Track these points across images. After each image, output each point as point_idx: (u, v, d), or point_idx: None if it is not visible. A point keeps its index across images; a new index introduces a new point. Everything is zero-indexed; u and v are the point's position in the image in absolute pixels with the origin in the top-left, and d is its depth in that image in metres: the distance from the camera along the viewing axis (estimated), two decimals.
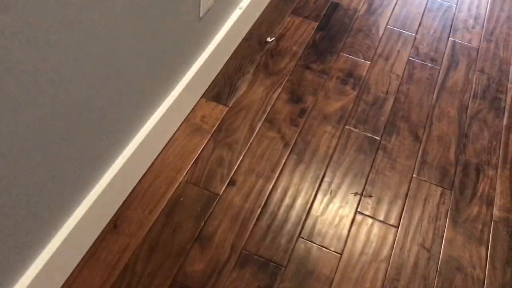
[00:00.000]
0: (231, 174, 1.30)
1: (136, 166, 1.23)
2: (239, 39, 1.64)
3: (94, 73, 0.92)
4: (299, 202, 1.26)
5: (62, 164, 0.93)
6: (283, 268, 1.14)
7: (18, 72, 0.73)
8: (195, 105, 1.44)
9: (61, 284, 1.06)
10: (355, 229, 1.22)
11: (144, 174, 1.27)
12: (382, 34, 1.74)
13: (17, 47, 0.71)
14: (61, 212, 1.00)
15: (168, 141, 1.35)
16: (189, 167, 1.30)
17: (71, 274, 1.08)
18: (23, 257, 0.93)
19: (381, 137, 1.42)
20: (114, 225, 1.17)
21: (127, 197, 1.22)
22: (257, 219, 1.21)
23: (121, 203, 1.21)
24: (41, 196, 0.91)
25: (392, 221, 1.24)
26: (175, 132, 1.37)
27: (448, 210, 1.28)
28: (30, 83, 0.76)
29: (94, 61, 0.90)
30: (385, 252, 1.18)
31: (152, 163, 1.29)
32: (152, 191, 1.24)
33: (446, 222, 1.25)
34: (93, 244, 1.14)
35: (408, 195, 1.30)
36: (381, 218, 1.24)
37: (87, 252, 1.12)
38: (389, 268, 1.16)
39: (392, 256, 1.18)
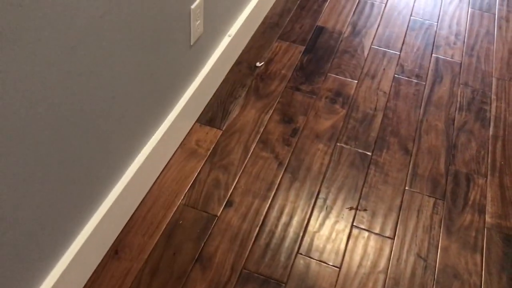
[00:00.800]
0: (228, 196, 1.33)
1: (135, 192, 1.26)
2: (230, 65, 1.69)
3: (89, 102, 0.96)
4: (295, 219, 1.28)
5: (60, 193, 0.96)
6: (284, 284, 1.16)
7: (12, 106, 0.77)
8: (189, 130, 1.48)
9: None
10: (352, 243, 1.24)
11: (143, 200, 1.30)
12: (367, 54, 1.80)
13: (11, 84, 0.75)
14: (62, 241, 1.02)
15: (165, 166, 1.38)
16: (186, 190, 1.33)
17: None
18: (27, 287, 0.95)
19: (372, 152, 1.46)
20: (115, 251, 1.19)
21: (127, 223, 1.25)
22: (256, 238, 1.24)
23: (121, 229, 1.23)
24: (40, 226, 0.93)
25: (387, 233, 1.27)
26: (172, 157, 1.40)
27: (441, 220, 1.31)
28: (29, 112, 0.80)
29: (89, 90, 0.94)
30: (382, 263, 1.21)
31: (150, 188, 1.32)
32: (151, 216, 1.27)
33: (440, 231, 1.28)
34: (95, 271, 1.15)
35: (402, 207, 1.33)
36: (377, 230, 1.27)
37: (89, 280, 1.14)
38: (387, 279, 1.18)
39: (389, 267, 1.20)
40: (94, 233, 1.10)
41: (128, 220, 1.25)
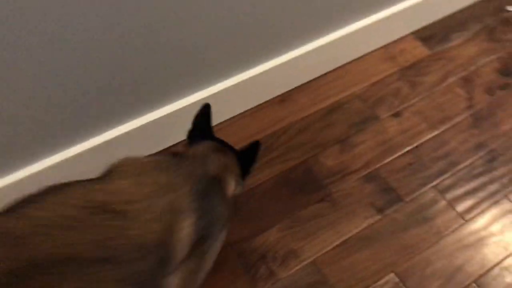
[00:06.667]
0: (400, 107, 1.36)
1: (323, 61, 1.39)
2: None
3: None
4: (451, 158, 1.27)
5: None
6: (401, 202, 1.20)
7: None
8: (400, 37, 1.51)
9: (223, 120, 1.33)
10: (495, 209, 1.19)
11: (325, 74, 1.43)
12: None
13: None
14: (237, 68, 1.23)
15: (361, 56, 1.47)
16: (367, 84, 1.41)
17: (233, 117, 1.34)
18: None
19: None
20: (282, 99, 1.38)
21: (304, 83, 1.40)
22: (402, 155, 1.28)
23: (296, 86, 1.40)
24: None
25: None
26: (371, 52, 1.48)
27: None
28: None
29: None
30: None
31: (337, 67, 1.44)
32: (325, 88, 1.40)
33: None
34: (260, 104, 1.36)
35: None
36: None
37: (253, 108, 1.35)
38: (507, 258, 1.12)
39: None
40: (268, 79, 1.29)
41: (306, 82, 1.41)
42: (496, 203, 1.20)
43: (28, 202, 0.63)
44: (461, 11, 1.59)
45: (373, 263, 1.11)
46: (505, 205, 1.20)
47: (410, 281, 1.08)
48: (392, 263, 1.10)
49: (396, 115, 1.35)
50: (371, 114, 1.35)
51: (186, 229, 0.71)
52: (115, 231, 0.64)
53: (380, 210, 1.18)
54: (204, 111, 0.91)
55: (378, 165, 1.25)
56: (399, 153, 1.28)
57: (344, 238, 1.14)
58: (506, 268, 1.11)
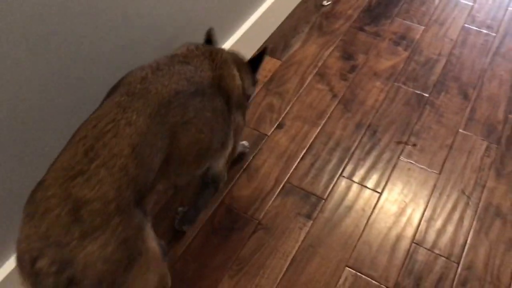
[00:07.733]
0: (280, 119, 1.43)
1: None
2: (297, 2, 1.77)
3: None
4: (342, 145, 1.37)
5: None
6: (324, 200, 1.25)
7: None
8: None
9: None
10: (396, 173, 1.31)
11: None
12: (439, 2, 1.81)
13: None
14: None
15: None
16: None
17: None
18: None
19: (430, 94, 1.50)
20: None
21: None
22: (301, 158, 1.34)
23: None
24: None
25: (434, 168, 1.32)
26: None
27: (492, 163, 1.34)
28: None
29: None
30: (424, 194, 1.27)
31: None
32: None
33: (489, 173, 1.32)
34: None
35: (453, 146, 1.37)
36: (423, 165, 1.33)
37: None
38: (426, 209, 1.24)
39: (430, 199, 1.26)
40: None
41: None
42: (394, 167, 1.33)
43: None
44: (289, 18, 1.73)
45: (326, 267, 1.13)
46: (402, 165, 1.33)
47: (364, 267, 1.13)
48: (342, 259, 1.15)
49: (279, 126, 1.41)
50: (258, 135, 1.39)
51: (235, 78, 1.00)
52: (192, 73, 0.89)
53: (308, 216, 1.22)
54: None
55: (286, 177, 1.29)
56: (299, 159, 1.34)
57: (291, 256, 1.15)
58: (431, 218, 1.23)
